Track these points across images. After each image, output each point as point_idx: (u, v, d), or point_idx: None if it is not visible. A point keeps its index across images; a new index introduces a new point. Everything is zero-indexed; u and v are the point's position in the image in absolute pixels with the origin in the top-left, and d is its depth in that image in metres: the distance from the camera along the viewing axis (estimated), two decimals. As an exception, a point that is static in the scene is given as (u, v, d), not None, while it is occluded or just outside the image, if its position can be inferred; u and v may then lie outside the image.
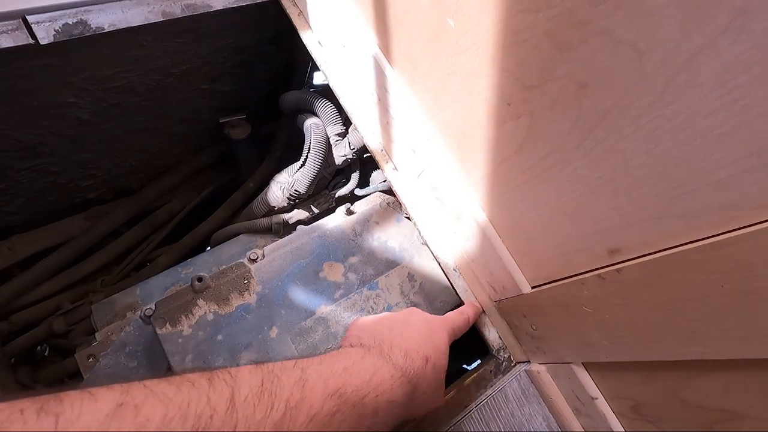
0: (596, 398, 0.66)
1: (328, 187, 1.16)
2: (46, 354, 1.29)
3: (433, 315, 0.73)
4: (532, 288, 0.69)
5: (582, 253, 0.58)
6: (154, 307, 0.82)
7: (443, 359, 0.64)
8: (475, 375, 0.80)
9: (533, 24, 0.49)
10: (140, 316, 0.82)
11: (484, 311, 0.83)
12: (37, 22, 0.76)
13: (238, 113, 1.27)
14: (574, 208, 0.56)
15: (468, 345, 0.99)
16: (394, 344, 0.60)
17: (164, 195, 1.39)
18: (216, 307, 0.84)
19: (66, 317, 1.18)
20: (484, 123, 0.63)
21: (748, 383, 0.46)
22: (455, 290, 0.85)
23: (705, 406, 0.52)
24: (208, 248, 1.30)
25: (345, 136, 1.05)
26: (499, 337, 0.82)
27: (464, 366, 1.13)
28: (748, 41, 0.34)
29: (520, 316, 0.74)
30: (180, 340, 0.80)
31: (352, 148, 1.04)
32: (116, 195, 1.38)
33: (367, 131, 0.90)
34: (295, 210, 1.10)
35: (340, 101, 0.93)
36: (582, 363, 0.68)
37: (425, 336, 0.64)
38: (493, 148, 0.64)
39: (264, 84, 1.31)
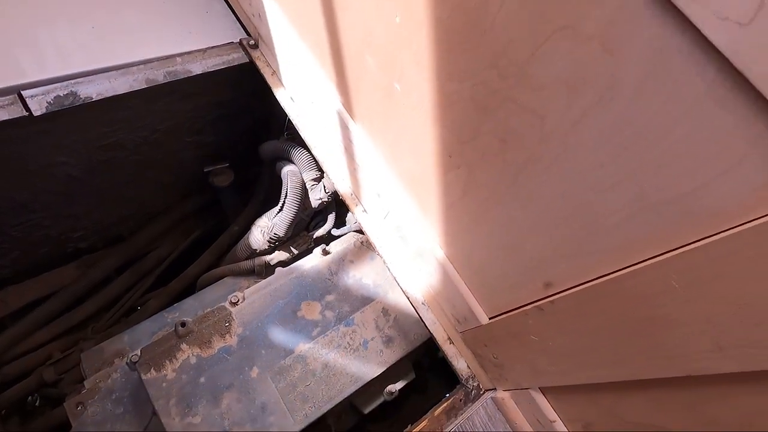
0: (554, 421, 0.71)
1: (307, 228, 1.22)
2: (37, 404, 1.30)
3: None
4: (490, 319, 0.74)
5: (524, 287, 0.63)
6: (139, 354, 0.86)
7: None
8: (446, 404, 0.84)
9: (460, 90, 0.57)
10: (126, 363, 0.87)
11: (452, 342, 0.88)
12: (31, 96, 0.84)
13: (222, 161, 1.34)
14: (513, 245, 0.62)
15: (440, 375, 1.03)
16: None
17: (153, 241, 1.45)
18: (199, 350, 0.88)
19: (56, 366, 1.21)
20: (433, 172, 0.70)
21: (668, 400, 0.52)
22: (424, 323, 0.90)
23: (640, 422, 0.57)
24: (196, 290, 1.35)
25: (320, 181, 1.12)
26: (467, 366, 0.86)
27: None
28: (616, 111, 0.42)
29: (482, 346, 0.79)
30: (164, 385, 0.84)
31: (327, 191, 1.11)
32: (107, 243, 1.43)
33: (337, 177, 0.98)
34: (276, 252, 1.16)
35: (312, 151, 1.01)
36: (539, 388, 0.72)
37: None
38: (442, 193, 0.71)
39: (246, 133, 1.39)
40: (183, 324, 0.89)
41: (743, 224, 0.35)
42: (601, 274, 0.50)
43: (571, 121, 0.45)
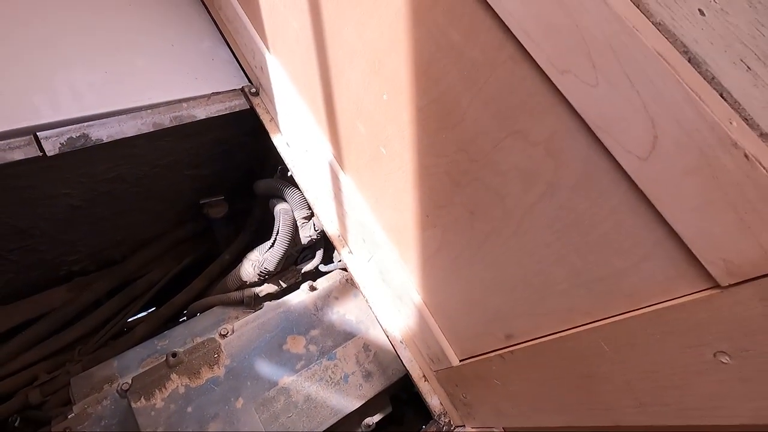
0: (515, 459, 0.77)
1: (296, 262, 1.29)
2: (16, 425, 1.32)
3: None
4: (460, 361, 0.81)
5: (489, 336, 0.71)
6: (130, 382, 0.91)
7: None
8: (418, 439, 0.90)
9: (437, 164, 0.66)
10: (117, 390, 0.91)
11: (426, 379, 0.94)
12: (46, 137, 0.90)
13: (218, 194, 1.41)
14: (479, 299, 0.70)
15: (416, 409, 1.09)
16: None
17: (145, 266, 1.50)
18: (188, 380, 0.93)
19: (42, 388, 1.23)
20: (412, 227, 0.78)
21: (607, 445, 0.59)
22: (401, 360, 0.97)
23: (585, 465, 0.64)
24: (183, 319, 1.40)
25: (311, 219, 1.20)
26: (440, 403, 0.93)
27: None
28: (559, 202, 0.50)
29: (453, 386, 0.86)
30: (153, 413, 0.88)
31: (316, 229, 1.18)
32: (100, 266, 1.48)
33: (326, 220, 1.05)
34: (266, 284, 1.22)
35: (305, 194, 1.08)
36: (503, 428, 0.79)
37: None
38: (420, 247, 0.79)
39: (242, 167, 1.47)
40: (174, 354, 0.94)
41: (646, 307, 0.44)
42: (550, 333, 0.58)
43: (527, 204, 0.54)
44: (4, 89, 0.93)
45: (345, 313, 1.09)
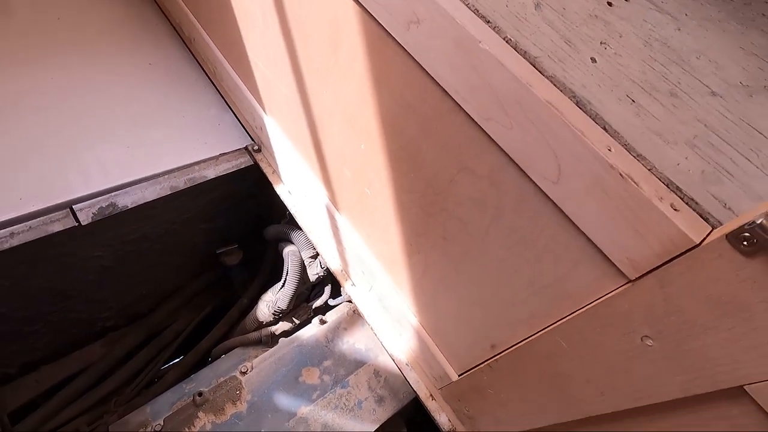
0: (519, 465, 0.82)
1: (307, 299, 1.38)
2: (60, 479, 1.40)
3: None
4: (459, 376, 0.88)
5: (477, 348, 0.78)
6: (162, 423, 1.00)
7: None
8: (430, 456, 0.95)
9: (411, 199, 0.76)
10: (144, 430, 1.00)
11: (433, 398, 1.00)
12: (80, 209, 1.04)
13: (231, 243, 1.53)
14: (464, 314, 0.78)
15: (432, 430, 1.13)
16: None
17: (170, 317, 1.61)
18: (213, 417, 1.01)
19: (83, 440, 1.32)
20: (400, 255, 0.87)
21: (588, 438, 0.65)
22: (408, 382, 1.03)
23: (575, 461, 0.69)
24: (209, 360, 1.48)
25: (317, 258, 1.30)
26: (448, 420, 0.98)
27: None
28: (506, 223, 0.59)
29: (456, 401, 0.92)
30: (184, 450, 0.96)
31: (323, 267, 1.28)
32: (129, 321, 1.59)
33: (328, 257, 1.15)
34: (280, 322, 1.31)
35: (308, 235, 1.19)
36: (504, 436, 0.84)
37: None
38: (410, 272, 0.87)
39: (252, 216, 1.59)
40: (200, 394, 1.02)
41: (587, 305, 0.51)
42: (523, 338, 0.65)
43: (483, 227, 0.63)
44: (42, 170, 1.08)
45: (354, 342, 1.17)
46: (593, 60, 0.53)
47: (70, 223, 1.02)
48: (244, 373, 1.09)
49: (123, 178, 1.14)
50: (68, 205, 1.04)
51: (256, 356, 1.17)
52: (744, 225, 0.35)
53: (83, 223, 1.03)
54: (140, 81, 1.35)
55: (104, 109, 1.25)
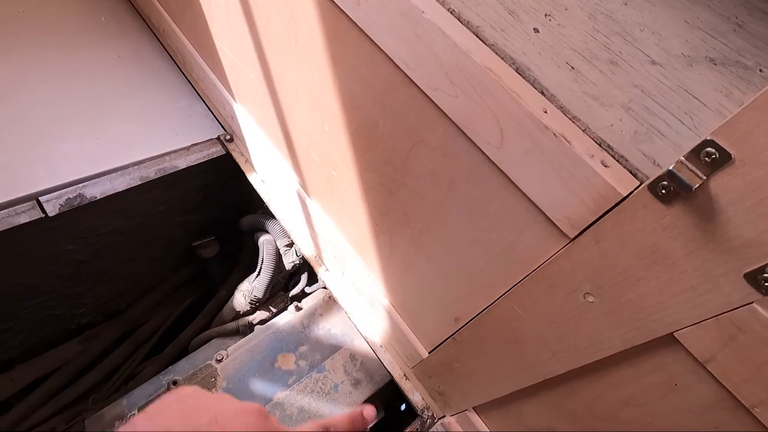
0: (488, 437, 0.84)
1: (285, 288, 1.38)
2: (39, 478, 1.38)
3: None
4: (429, 353, 0.89)
5: (442, 323, 0.80)
6: (137, 412, 0.99)
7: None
8: (404, 435, 0.96)
9: (373, 178, 0.77)
10: (125, 421, 0.99)
11: (407, 378, 1.02)
12: (47, 201, 1.03)
13: (209, 235, 1.53)
14: (429, 290, 0.79)
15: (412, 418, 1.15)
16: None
17: (148, 312, 1.60)
18: (188, 405, 1.01)
19: (60, 437, 1.31)
20: (367, 236, 0.88)
21: (546, 402, 0.66)
22: (383, 364, 1.04)
23: (537, 427, 0.71)
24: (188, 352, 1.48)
25: (292, 246, 1.30)
26: (422, 398, 1.00)
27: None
28: (460, 193, 0.61)
29: (428, 378, 0.93)
30: (158, 438, 0.96)
31: (298, 255, 1.28)
32: (107, 317, 1.58)
33: (302, 243, 1.16)
34: (257, 312, 1.31)
35: (281, 223, 1.19)
36: (473, 408, 0.86)
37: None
38: (377, 252, 0.88)
39: (229, 207, 1.59)
40: (174, 382, 1.02)
41: (537, 268, 0.53)
42: (483, 308, 0.67)
43: (439, 199, 0.65)
44: (8, 162, 1.06)
45: (330, 327, 1.17)
46: (536, 30, 0.54)
47: (37, 214, 1.01)
48: (219, 361, 1.09)
49: (92, 169, 1.13)
50: (35, 197, 1.03)
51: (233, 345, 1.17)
52: (662, 174, 0.37)
53: (50, 215, 1.02)
54: (109, 73, 1.34)
55: (72, 102, 1.23)
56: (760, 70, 0.64)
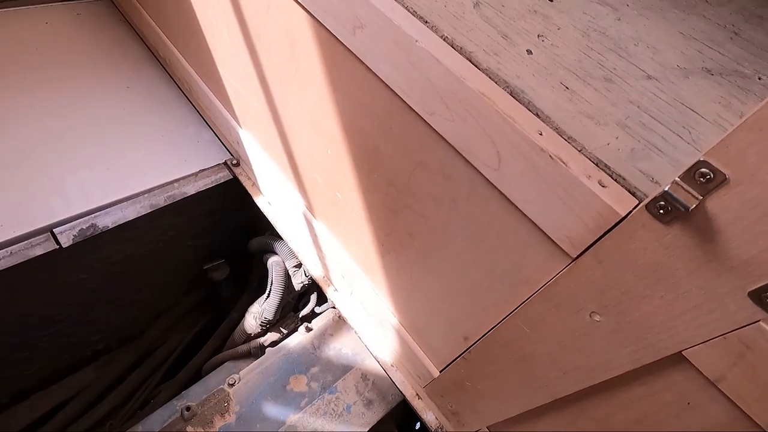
0: (503, 457, 0.82)
1: (295, 309, 1.39)
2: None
3: None
4: (440, 372, 0.89)
5: (452, 341, 0.79)
6: (151, 440, 1.00)
7: None
8: (419, 455, 0.95)
9: (377, 199, 0.78)
10: (140, 450, 1.00)
11: (419, 397, 1.01)
12: (61, 232, 1.06)
13: (218, 258, 1.55)
14: (437, 310, 0.79)
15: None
16: None
17: (161, 336, 1.61)
18: (202, 430, 1.01)
19: (78, 465, 1.32)
20: (374, 255, 0.89)
21: (560, 419, 0.65)
22: (395, 383, 1.04)
23: (552, 446, 0.70)
24: (201, 376, 1.48)
25: (301, 267, 1.31)
26: (435, 417, 0.99)
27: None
28: (462, 214, 0.61)
29: (440, 397, 0.92)
30: (173, 465, 0.96)
31: (307, 275, 1.29)
32: (121, 343, 1.60)
33: (310, 264, 1.17)
34: (268, 333, 1.31)
35: (289, 244, 1.21)
36: (487, 428, 0.85)
37: None
38: (384, 272, 0.89)
39: (238, 230, 1.61)
40: (188, 408, 1.03)
41: (541, 287, 0.53)
42: (491, 327, 0.67)
43: (442, 219, 0.65)
44: (22, 195, 1.10)
45: (341, 347, 1.17)
46: (529, 52, 0.55)
47: (51, 246, 1.04)
48: (231, 385, 1.09)
49: (103, 199, 1.16)
50: (49, 229, 1.06)
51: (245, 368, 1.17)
52: (658, 195, 0.37)
53: (64, 246, 1.04)
54: (119, 104, 1.38)
55: (84, 133, 1.27)
56: (759, 78, 0.64)
